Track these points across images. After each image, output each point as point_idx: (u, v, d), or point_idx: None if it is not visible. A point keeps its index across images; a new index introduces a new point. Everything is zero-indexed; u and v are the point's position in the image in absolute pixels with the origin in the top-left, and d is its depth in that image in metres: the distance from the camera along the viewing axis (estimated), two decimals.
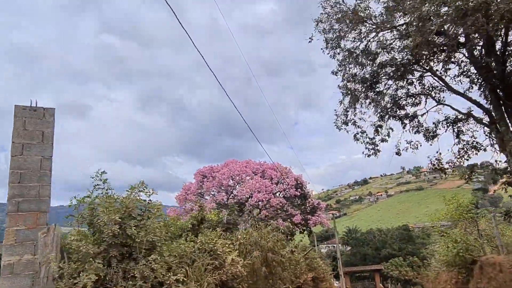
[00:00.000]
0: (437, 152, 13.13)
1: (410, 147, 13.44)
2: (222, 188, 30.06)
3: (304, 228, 30.83)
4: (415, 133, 13.46)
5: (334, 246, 42.57)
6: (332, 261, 45.77)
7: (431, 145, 13.19)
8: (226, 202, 30.11)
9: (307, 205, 30.82)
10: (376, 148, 13.77)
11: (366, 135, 13.80)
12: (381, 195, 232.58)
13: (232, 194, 30.19)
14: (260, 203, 29.92)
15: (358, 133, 13.87)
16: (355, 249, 50.58)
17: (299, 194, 30.19)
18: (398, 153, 13.83)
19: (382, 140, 13.69)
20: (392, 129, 13.64)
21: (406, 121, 13.43)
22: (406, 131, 13.41)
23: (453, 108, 12.83)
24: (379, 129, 13.48)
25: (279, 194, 30.38)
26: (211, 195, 30.18)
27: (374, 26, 11.87)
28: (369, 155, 13.81)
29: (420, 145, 13.30)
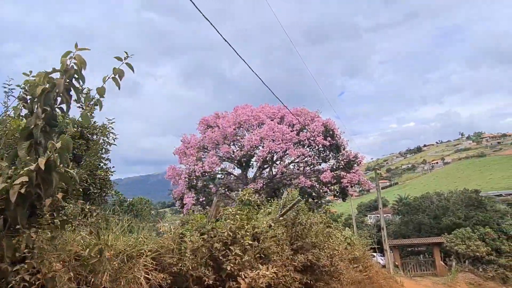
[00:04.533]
0: None
1: None
2: (227, 138, 23.34)
3: (337, 189, 23.41)
4: None
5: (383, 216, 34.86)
6: (377, 232, 38.13)
7: None
8: (232, 156, 23.41)
9: (340, 158, 23.24)
10: None
11: None
12: (437, 163, 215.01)
13: (240, 145, 23.45)
14: (274, 155, 22.80)
15: None
16: (407, 217, 41.97)
17: (328, 144, 22.64)
18: None
19: None
20: None
21: None
22: None
23: None
24: None
25: (304, 147, 23.10)
26: (215, 148, 23.60)
27: None
28: None
29: None
